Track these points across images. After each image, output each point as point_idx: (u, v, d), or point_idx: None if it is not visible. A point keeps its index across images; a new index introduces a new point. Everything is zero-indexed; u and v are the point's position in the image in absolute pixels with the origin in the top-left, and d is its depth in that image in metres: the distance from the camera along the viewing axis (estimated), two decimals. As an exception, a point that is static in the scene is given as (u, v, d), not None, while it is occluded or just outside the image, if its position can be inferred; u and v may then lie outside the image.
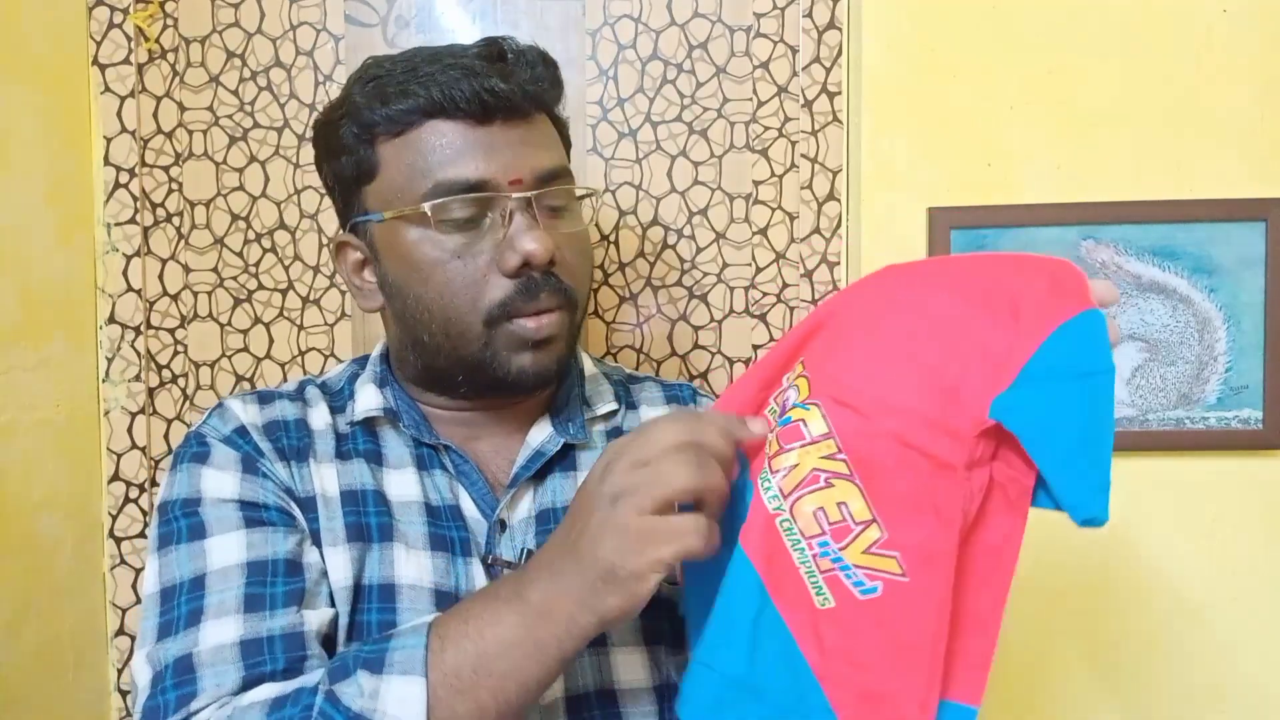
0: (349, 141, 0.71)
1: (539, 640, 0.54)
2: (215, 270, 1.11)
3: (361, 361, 0.81)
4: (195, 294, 1.11)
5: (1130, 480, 1.04)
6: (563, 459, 0.75)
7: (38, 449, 1.01)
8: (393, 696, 0.53)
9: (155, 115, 1.09)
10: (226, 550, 0.64)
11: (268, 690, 0.58)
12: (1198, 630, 1.03)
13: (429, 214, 0.67)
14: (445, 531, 0.70)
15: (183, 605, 0.62)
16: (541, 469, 0.74)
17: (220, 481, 0.67)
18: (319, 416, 0.74)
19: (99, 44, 1.07)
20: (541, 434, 0.75)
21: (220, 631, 0.61)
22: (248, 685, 0.59)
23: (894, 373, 0.54)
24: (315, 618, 0.63)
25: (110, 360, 1.09)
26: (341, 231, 0.75)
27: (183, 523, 0.66)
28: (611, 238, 1.10)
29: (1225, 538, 1.03)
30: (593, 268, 0.78)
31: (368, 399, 0.75)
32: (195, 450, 0.69)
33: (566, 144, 0.77)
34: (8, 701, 0.97)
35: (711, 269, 1.10)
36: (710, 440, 0.53)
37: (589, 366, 0.83)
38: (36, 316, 1.01)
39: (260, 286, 1.11)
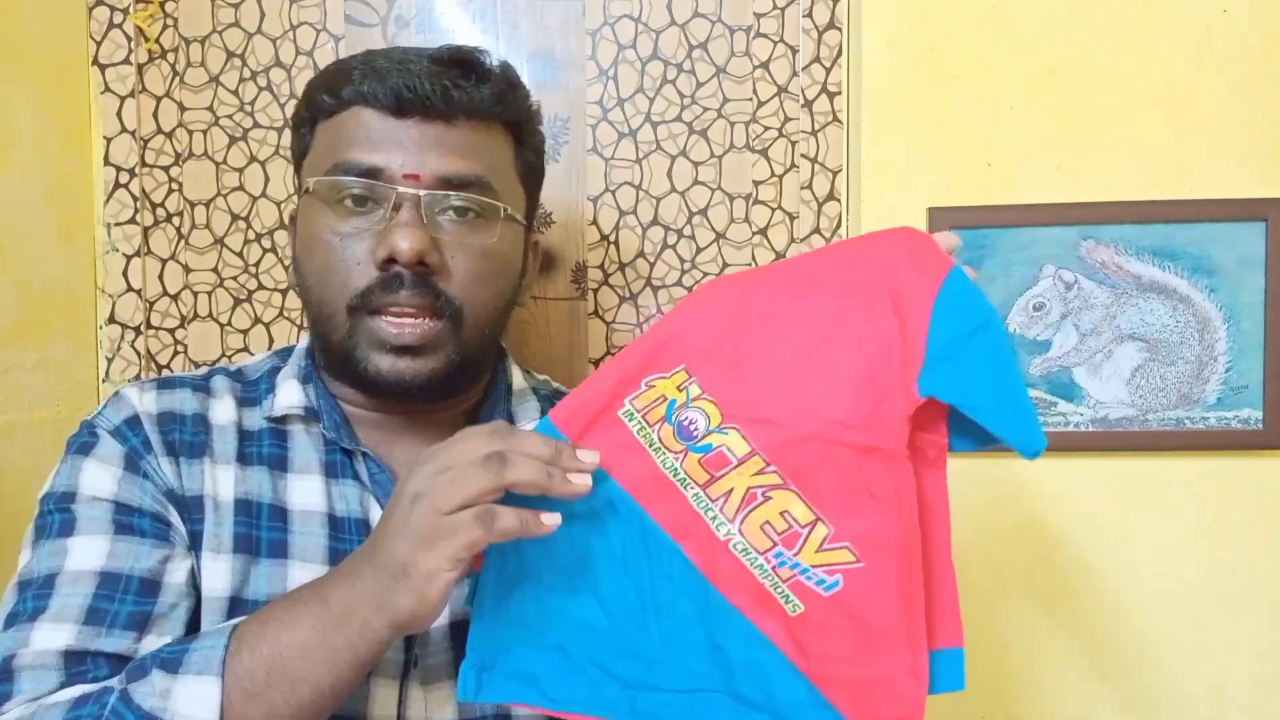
0: (297, 120, 0.74)
1: (332, 644, 0.53)
2: (215, 270, 1.11)
3: (284, 354, 0.79)
4: (195, 294, 1.11)
5: (1130, 480, 1.04)
6: None
7: (38, 449, 1.01)
8: (185, 696, 0.53)
9: (155, 115, 1.09)
10: (87, 553, 0.63)
11: (74, 690, 0.57)
12: (1198, 630, 1.03)
13: (314, 189, 0.69)
14: (347, 545, 0.68)
15: (29, 601, 0.61)
16: None
17: (99, 478, 0.66)
18: (223, 411, 0.72)
19: (99, 44, 1.07)
20: None
21: (51, 636, 0.59)
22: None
23: (801, 380, 0.57)
24: (152, 645, 0.61)
25: (110, 360, 1.09)
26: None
27: (55, 517, 0.65)
28: (611, 238, 1.10)
29: (1225, 538, 1.03)
30: (501, 287, 0.73)
31: (289, 395, 0.73)
32: (84, 440, 0.68)
33: (528, 166, 0.76)
34: (8, 701, 0.97)
35: (711, 269, 1.10)
36: (520, 456, 0.53)
37: (518, 381, 0.81)
38: (36, 316, 1.01)
39: (260, 286, 1.11)
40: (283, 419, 0.72)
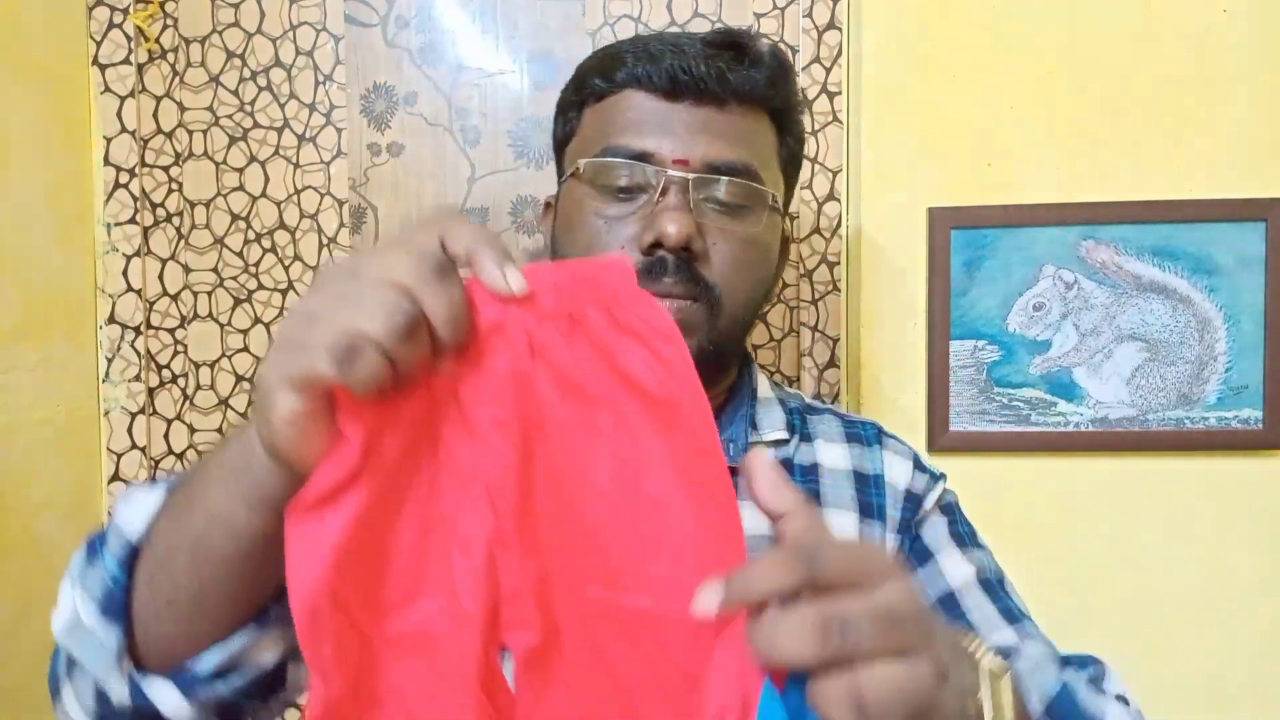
0: (564, 104, 0.73)
1: (229, 466, 0.46)
2: (215, 270, 1.11)
3: None
4: (195, 294, 1.11)
5: (1130, 480, 1.04)
6: None
7: (38, 449, 1.01)
8: (135, 500, 0.51)
9: (155, 115, 1.09)
10: None
11: None
12: (1198, 630, 1.03)
13: (582, 171, 0.67)
14: None
15: None
16: None
17: None
18: None
19: (99, 44, 1.07)
20: None
21: None
22: None
23: None
24: None
25: (110, 360, 1.09)
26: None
27: None
28: (611, 238, 1.10)
29: (1225, 538, 1.03)
30: (760, 276, 0.70)
31: None
32: None
33: (789, 154, 0.73)
34: (8, 701, 0.97)
35: (711, 269, 1.10)
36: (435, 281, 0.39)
37: (764, 389, 0.77)
38: (36, 316, 1.01)
39: (260, 286, 1.10)
40: None
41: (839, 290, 1.07)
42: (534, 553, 0.43)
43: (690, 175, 0.65)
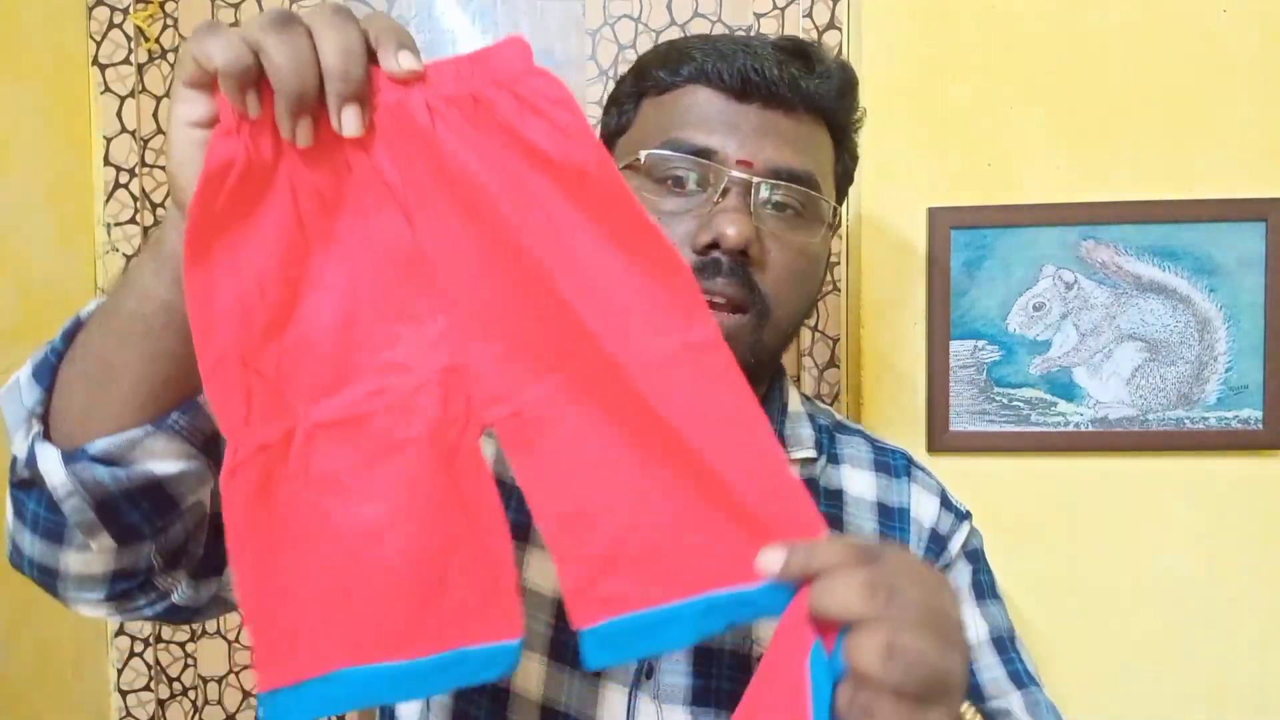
0: (622, 94, 0.71)
1: (149, 239, 0.49)
2: (215, 270, 1.10)
3: None
4: (195, 294, 1.11)
5: (1130, 480, 1.04)
6: None
7: (38, 449, 1.01)
8: (85, 308, 0.53)
9: (155, 115, 1.09)
10: None
11: None
12: (1198, 630, 1.03)
13: (644, 164, 0.65)
14: None
15: None
16: None
17: None
18: None
19: (99, 44, 1.07)
20: None
21: None
22: None
23: None
24: None
25: (110, 360, 1.09)
26: None
27: None
28: (611, 238, 1.10)
29: (1225, 538, 1.03)
30: (808, 290, 0.68)
31: None
32: None
33: (843, 170, 0.73)
34: (8, 701, 0.97)
35: (711, 269, 1.10)
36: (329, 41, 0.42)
37: (794, 404, 0.75)
38: (36, 316, 1.01)
39: (260, 286, 1.10)
40: None
41: (839, 290, 1.07)
42: (496, 322, 0.46)
43: (754, 178, 0.63)
